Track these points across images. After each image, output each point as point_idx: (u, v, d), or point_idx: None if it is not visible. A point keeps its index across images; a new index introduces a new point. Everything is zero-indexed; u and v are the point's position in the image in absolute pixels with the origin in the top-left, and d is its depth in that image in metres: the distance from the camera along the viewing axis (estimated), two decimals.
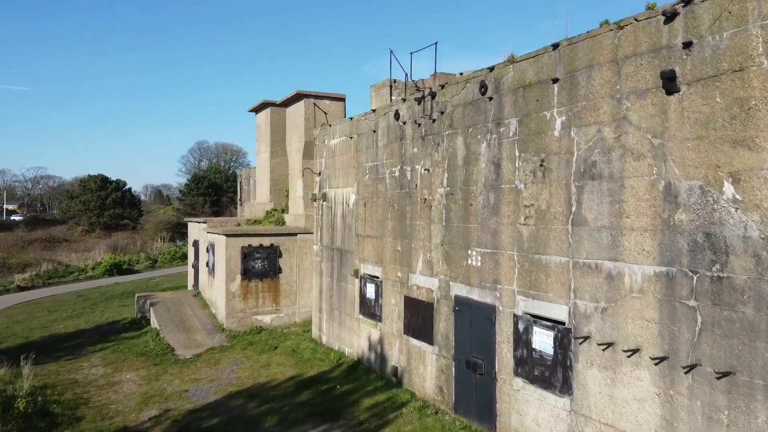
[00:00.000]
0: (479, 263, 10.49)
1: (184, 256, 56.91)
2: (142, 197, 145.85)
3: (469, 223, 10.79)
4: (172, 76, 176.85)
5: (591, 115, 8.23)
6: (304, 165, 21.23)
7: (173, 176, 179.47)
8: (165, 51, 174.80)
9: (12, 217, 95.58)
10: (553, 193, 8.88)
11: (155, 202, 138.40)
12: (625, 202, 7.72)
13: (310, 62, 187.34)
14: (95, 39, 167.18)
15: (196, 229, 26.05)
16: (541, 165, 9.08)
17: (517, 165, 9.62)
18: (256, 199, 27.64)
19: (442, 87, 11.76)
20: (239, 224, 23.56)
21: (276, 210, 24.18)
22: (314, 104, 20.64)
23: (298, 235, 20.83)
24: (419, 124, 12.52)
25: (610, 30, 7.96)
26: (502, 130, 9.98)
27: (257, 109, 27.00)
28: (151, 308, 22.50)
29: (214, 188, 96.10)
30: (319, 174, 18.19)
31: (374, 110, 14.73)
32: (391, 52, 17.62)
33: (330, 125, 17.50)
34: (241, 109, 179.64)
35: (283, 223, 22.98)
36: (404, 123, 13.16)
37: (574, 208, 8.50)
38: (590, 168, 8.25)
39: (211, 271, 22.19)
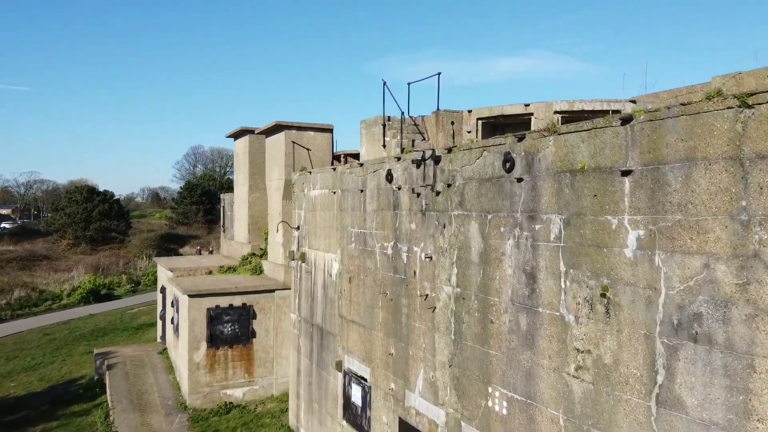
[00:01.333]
0: (505, 411, 7.44)
1: None
2: (139, 200, 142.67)
3: (490, 347, 7.74)
4: (170, 77, 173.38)
5: (692, 239, 5.19)
6: (284, 207, 18.17)
7: (170, 179, 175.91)
8: (163, 52, 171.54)
9: (2, 225, 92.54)
10: (623, 343, 5.84)
11: (152, 205, 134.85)
12: (759, 397, 4.68)
13: (309, 63, 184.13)
14: (94, 41, 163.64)
15: (164, 274, 22.97)
16: (603, 295, 6.04)
17: (563, 285, 6.57)
18: (234, 236, 24.58)
19: (449, 151, 8.72)
20: (210, 272, 20.49)
21: (254, 255, 21.11)
22: (294, 143, 17.57)
23: (276, 292, 17.76)
24: (418, 194, 9.48)
25: (728, 108, 4.92)
26: (538, 227, 6.94)
27: (235, 135, 23.97)
28: (107, 372, 19.43)
29: (207, 196, 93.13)
30: (298, 228, 15.14)
31: (362, 164, 11.69)
32: (384, 84, 14.58)
33: (310, 172, 14.46)
34: (239, 111, 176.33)
35: (261, 272, 19.93)
36: (399, 188, 10.12)
37: (660, 378, 5.46)
38: (690, 322, 5.21)
39: (176, 330, 19.12)
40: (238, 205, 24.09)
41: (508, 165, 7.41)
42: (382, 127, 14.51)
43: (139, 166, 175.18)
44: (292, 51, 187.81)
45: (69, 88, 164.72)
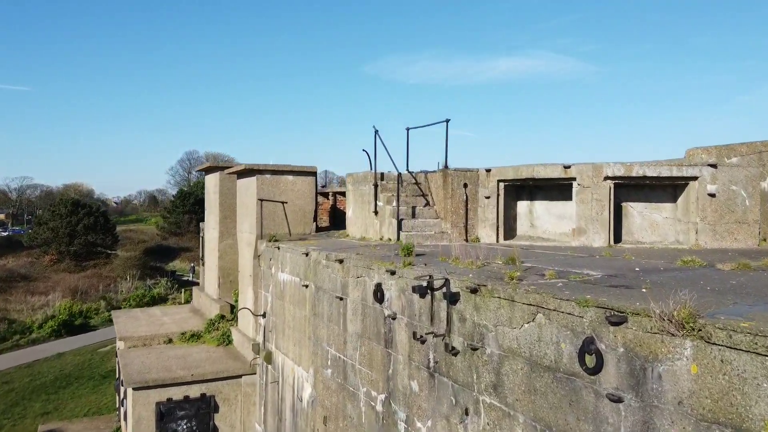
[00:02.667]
0: None
1: (154, 300, 50.25)
2: (136, 203, 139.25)
3: None
4: (168, 77, 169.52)
5: None
6: (255, 268, 14.80)
7: (165, 184, 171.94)
8: (161, 52, 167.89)
9: None
10: None
11: (149, 208, 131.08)
12: None
13: (309, 62, 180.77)
14: (93, 42, 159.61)
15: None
16: None
17: None
18: (204, 287, 21.21)
19: (474, 291, 5.33)
20: (170, 340, 17.09)
21: (223, 318, 17.71)
22: (261, 201, 14.15)
23: (243, 378, 14.32)
24: (422, 340, 6.10)
25: None
26: None
27: (206, 170, 20.63)
28: None
29: (201, 205, 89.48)
30: (263, 316, 11.78)
31: (341, 260, 8.29)
32: (376, 132, 11.29)
33: (278, 248, 11.09)
34: (238, 112, 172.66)
35: (230, 342, 16.54)
36: (393, 317, 6.74)
37: None
38: None
39: (124, 418, 15.73)
40: (208, 252, 20.71)
41: (590, 361, 4.04)
42: (373, 187, 11.15)
43: (135, 168, 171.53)
44: (291, 52, 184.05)
45: (63, 88, 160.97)
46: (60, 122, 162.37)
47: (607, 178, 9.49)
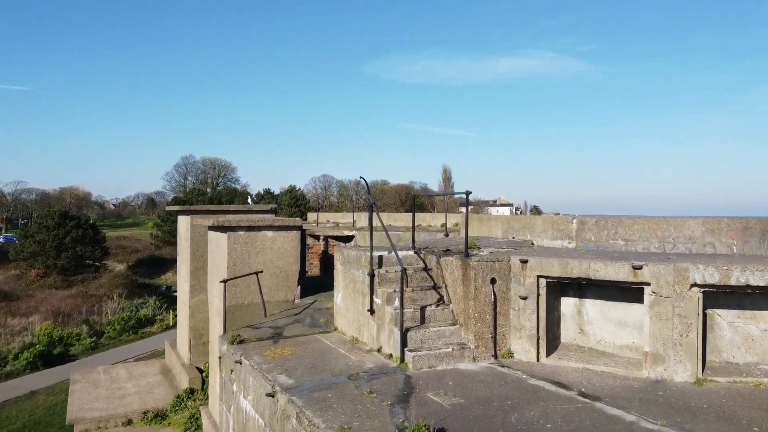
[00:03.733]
0: None
1: (140, 323, 47.40)
2: (134, 204, 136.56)
3: None
4: (167, 77, 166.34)
5: None
6: (221, 367, 12.03)
7: (162, 188, 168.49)
8: (159, 53, 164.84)
9: None
10: None
11: (146, 211, 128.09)
12: None
13: (308, 62, 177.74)
14: (93, 41, 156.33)
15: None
16: None
17: None
18: (177, 344, 18.46)
19: None
20: (130, 421, 14.37)
21: (192, 393, 14.99)
22: (225, 283, 11.37)
23: None
24: None
25: None
26: None
27: (178, 211, 17.93)
28: None
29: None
30: None
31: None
32: (373, 204, 8.56)
33: (240, 362, 8.31)
34: (233, 113, 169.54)
35: (198, 428, 13.82)
36: None
37: None
38: None
39: None
40: (180, 304, 18.00)
41: None
42: (369, 277, 8.37)
43: (134, 171, 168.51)
44: (289, 52, 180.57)
45: (61, 89, 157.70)
46: (58, 123, 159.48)
47: (695, 285, 6.75)
